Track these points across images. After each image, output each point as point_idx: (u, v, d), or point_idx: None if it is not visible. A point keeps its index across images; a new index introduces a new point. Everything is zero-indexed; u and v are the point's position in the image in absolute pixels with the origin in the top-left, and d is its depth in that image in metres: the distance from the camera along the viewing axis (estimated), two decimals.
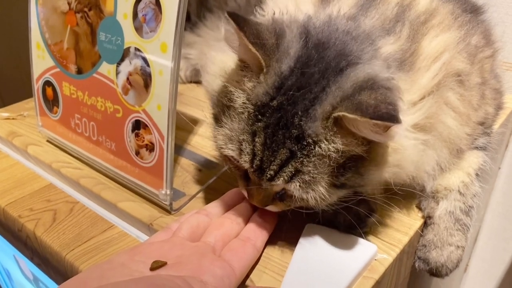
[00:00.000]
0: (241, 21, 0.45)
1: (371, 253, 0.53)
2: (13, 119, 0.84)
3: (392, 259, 0.53)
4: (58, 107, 0.71)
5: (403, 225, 0.58)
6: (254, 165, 0.48)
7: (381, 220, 0.58)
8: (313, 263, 0.51)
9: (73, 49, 0.65)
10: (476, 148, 0.61)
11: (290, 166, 0.46)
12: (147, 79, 0.56)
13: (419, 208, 0.60)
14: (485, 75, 0.58)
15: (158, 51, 0.54)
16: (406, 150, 0.48)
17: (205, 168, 0.69)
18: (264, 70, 0.47)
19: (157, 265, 0.45)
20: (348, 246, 0.53)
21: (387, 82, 0.46)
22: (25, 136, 0.78)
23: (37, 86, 0.73)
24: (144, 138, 0.59)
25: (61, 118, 0.71)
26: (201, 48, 0.94)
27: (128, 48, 0.58)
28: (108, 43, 0.60)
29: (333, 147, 0.45)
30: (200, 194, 0.64)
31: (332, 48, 0.47)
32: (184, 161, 0.70)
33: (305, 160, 0.45)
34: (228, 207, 0.57)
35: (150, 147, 0.58)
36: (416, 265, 0.60)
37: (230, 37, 0.47)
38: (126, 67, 0.58)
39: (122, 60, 0.59)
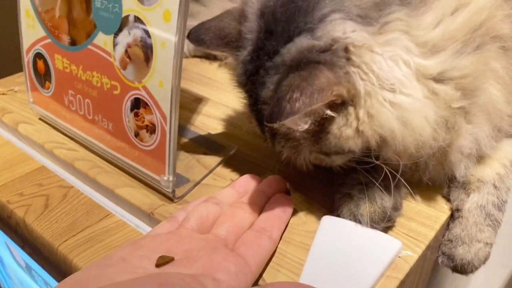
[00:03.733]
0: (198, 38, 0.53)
1: (395, 249, 0.47)
2: (3, 94, 0.78)
3: (418, 256, 0.48)
4: (50, 82, 0.65)
5: (429, 218, 0.53)
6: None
7: (405, 213, 0.52)
8: (331, 261, 0.46)
9: (66, 17, 0.58)
10: None
11: (276, 142, 0.50)
12: (148, 51, 0.50)
13: (447, 199, 0.55)
14: None
15: (161, 20, 0.48)
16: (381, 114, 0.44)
17: (210, 151, 0.63)
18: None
19: (163, 261, 0.40)
20: (369, 241, 0.48)
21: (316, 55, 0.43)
22: (15, 113, 0.73)
23: (27, 58, 0.67)
24: (144, 118, 0.53)
25: (53, 94, 0.65)
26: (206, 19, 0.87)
27: (127, 16, 0.51)
28: (105, 10, 0.53)
29: (288, 128, 0.47)
30: (206, 180, 0.58)
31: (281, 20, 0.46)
32: (187, 143, 0.65)
33: (279, 137, 0.50)
34: (239, 195, 0.52)
35: (151, 128, 0.53)
36: (440, 261, 0.55)
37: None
38: (125, 38, 0.52)
39: (120, 30, 0.52)
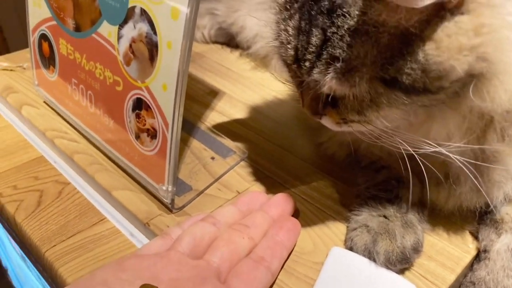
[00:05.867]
0: None
1: None
2: (11, 70, 0.75)
3: None
4: (54, 66, 0.60)
5: (450, 258, 0.47)
6: (288, 55, 0.40)
7: (424, 250, 0.47)
8: None
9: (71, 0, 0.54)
10: None
11: (325, 53, 0.37)
12: (152, 50, 0.45)
13: (475, 237, 0.49)
14: None
15: (168, 16, 0.43)
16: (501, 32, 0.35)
17: (219, 155, 0.58)
18: None
19: None
20: (380, 282, 0.43)
21: None
22: (21, 93, 0.69)
23: (33, 38, 0.62)
24: (145, 121, 0.48)
25: (57, 80, 0.61)
26: (231, 3, 0.82)
27: (133, 7, 0.46)
28: None
29: (369, 18, 0.35)
30: (209, 190, 0.54)
31: None
32: (195, 144, 0.60)
33: (336, 39, 0.36)
34: (240, 215, 0.47)
35: (152, 133, 0.48)
36: None
37: None
38: (130, 31, 0.47)
39: (125, 22, 0.47)
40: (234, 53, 0.83)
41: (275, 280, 0.43)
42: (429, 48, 0.35)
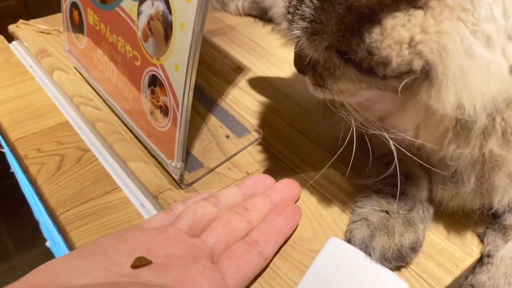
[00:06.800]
0: None
1: None
2: (47, 33, 0.77)
3: None
4: (83, 35, 0.62)
5: (450, 259, 0.46)
6: (285, 6, 0.42)
7: (424, 248, 0.46)
8: None
9: None
10: None
11: (300, 9, 0.39)
12: (167, 29, 0.46)
13: (481, 240, 0.48)
14: None
15: None
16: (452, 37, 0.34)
17: (234, 134, 0.59)
18: None
19: (140, 264, 0.39)
20: (373, 278, 0.43)
21: None
22: (54, 58, 0.72)
23: (65, 5, 0.64)
24: (159, 98, 0.49)
25: (85, 49, 0.63)
26: None
27: None
28: None
29: None
30: (220, 169, 0.55)
31: None
32: (213, 121, 0.61)
33: (307, 1, 0.38)
34: (243, 198, 0.48)
35: (165, 111, 0.49)
36: None
37: None
38: (148, 8, 0.48)
39: None
40: (266, 27, 0.83)
41: (268, 264, 0.44)
42: (375, 32, 0.35)
